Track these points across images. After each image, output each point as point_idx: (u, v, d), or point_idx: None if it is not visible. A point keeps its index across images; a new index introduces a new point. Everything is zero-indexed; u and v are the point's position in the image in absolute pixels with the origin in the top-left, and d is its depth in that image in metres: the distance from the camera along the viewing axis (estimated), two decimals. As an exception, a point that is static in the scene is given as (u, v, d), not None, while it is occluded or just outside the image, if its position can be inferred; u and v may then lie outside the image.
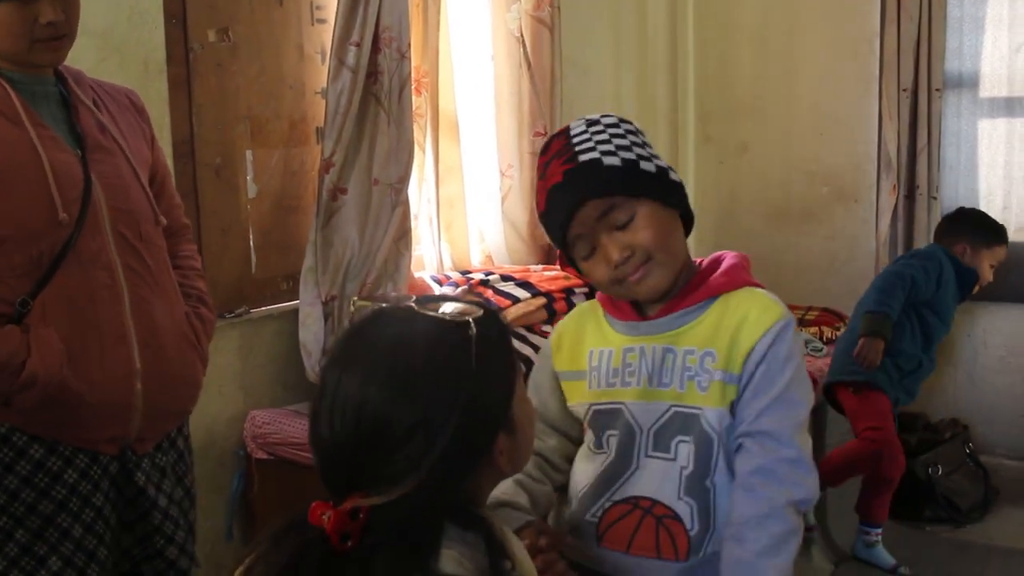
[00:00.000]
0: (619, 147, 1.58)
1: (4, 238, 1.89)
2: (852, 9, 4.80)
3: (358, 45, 3.19)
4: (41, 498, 1.95)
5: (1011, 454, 4.61)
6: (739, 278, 1.63)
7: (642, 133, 1.66)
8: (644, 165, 1.58)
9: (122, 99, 2.25)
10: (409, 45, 3.33)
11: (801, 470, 1.54)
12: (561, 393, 1.72)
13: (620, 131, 1.61)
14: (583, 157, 1.57)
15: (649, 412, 1.60)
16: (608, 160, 1.56)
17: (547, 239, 4.15)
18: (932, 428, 4.48)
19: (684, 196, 1.64)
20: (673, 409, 1.58)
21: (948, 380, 4.76)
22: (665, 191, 1.60)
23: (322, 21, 3.38)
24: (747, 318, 1.57)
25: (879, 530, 3.58)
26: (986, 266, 3.85)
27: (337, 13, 3.19)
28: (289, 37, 3.31)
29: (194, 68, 3.00)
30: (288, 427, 3.15)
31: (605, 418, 1.64)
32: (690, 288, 1.62)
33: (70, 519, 1.98)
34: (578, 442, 1.73)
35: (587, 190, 1.55)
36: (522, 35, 4.04)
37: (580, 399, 1.68)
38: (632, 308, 1.66)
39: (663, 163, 1.62)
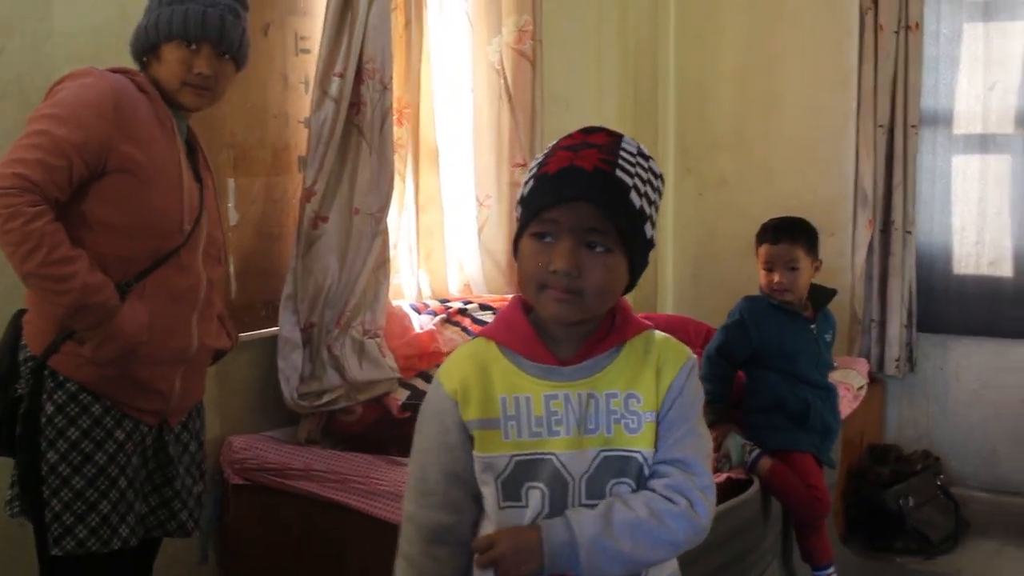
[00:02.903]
0: (646, 195, 1.55)
1: (140, 227, 2.29)
2: (830, 47, 4.87)
3: (341, 76, 3.23)
4: (96, 450, 2.28)
5: (982, 486, 4.66)
6: (637, 322, 1.64)
7: (662, 193, 1.63)
8: (647, 229, 1.57)
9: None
10: (391, 76, 3.38)
11: (710, 497, 1.60)
12: (466, 454, 1.59)
13: (655, 185, 1.58)
14: (620, 174, 1.52)
15: (579, 460, 1.56)
16: (634, 197, 1.53)
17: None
18: (904, 460, 4.52)
19: (643, 270, 1.62)
20: (602, 454, 1.56)
21: (921, 413, 4.81)
22: (641, 260, 1.59)
23: (306, 51, 3.43)
24: (663, 358, 1.61)
25: (831, 569, 3.56)
26: (760, 272, 3.51)
27: (321, 44, 3.23)
28: (273, 67, 3.35)
29: (178, 97, 3.03)
30: (265, 453, 3.17)
31: (528, 469, 1.56)
32: (603, 334, 1.60)
33: (117, 470, 2.31)
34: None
35: (605, 199, 1.51)
36: (503, 68, 4.09)
37: (496, 450, 1.56)
38: (549, 352, 1.59)
39: (655, 235, 1.61)
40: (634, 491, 1.57)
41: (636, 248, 1.56)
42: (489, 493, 1.58)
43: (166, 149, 2.35)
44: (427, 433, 1.64)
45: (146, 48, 2.38)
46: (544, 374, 1.58)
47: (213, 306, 2.54)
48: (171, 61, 2.35)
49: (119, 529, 2.31)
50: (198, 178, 2.48)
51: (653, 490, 1.57)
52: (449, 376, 1.61)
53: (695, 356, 1.66)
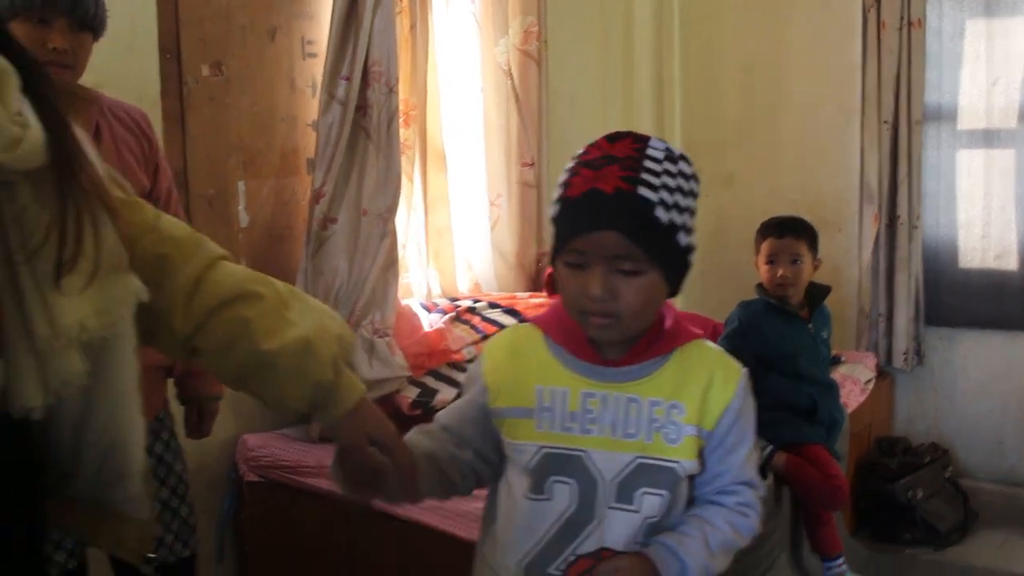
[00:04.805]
0: (676, 205, 1.51)
1: None
2: (834, 43, 4.90)
3: (348, 79, 3.28)
4: None
5: (990, 478, 4.69)
6: (688, 331, 1.63)
7: (697, 193, 1.57)
8: (681, 237, 1.53)
9: (130, 123, 2.37)
10: (397, 79, 3.43)
11: (761, 503, 1.69)
12: (484, 427, 1.64)
13: (686, 189, 1.54)
14: (642, 190, 1.48)
15: (613, 462, 1.56)
16: (660, 213, 1.49)
17: (534, 267, 4.26)
18: (912, 452, 4.55)
19: (685, 275, 1.59)
20: (638, 460, 1.56)
21: (929, 405, 4.84)
22: (678, 269, 1.57)
23: (313, 55, 3.48)
24: (715, 376, 1.61)
25: (840, 560, 3.58)
26: (761, 267, 3.52)
27: (328, 48, 3.29)
28: (281, 71, 3.40)
29: (188, 101, 3.09)
30: (279, 450, 3.22)
31: (556, 463, 1.57)
32: (651, 339, 1.59)
33: None
34: (492, 467, 1.68)
35: (629, 225, 1.48)
36: (510, 68, 4.14)
37: (527, 438, 1.58)
38: (593, 349, 1.59)
39: (692, 238, 1.57)
40: (666, 500, 1.58)
41: (670, 260, 1.54)
42: (518, 482, 1.60)
43: None
44: (465, 389, 1.72)
45: None
46: (585, 372, 1.59)
47: None
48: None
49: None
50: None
51: (723, 504, 1.64)
52: (492, 359, 1.67)
53: (746, 370, 1.65)
